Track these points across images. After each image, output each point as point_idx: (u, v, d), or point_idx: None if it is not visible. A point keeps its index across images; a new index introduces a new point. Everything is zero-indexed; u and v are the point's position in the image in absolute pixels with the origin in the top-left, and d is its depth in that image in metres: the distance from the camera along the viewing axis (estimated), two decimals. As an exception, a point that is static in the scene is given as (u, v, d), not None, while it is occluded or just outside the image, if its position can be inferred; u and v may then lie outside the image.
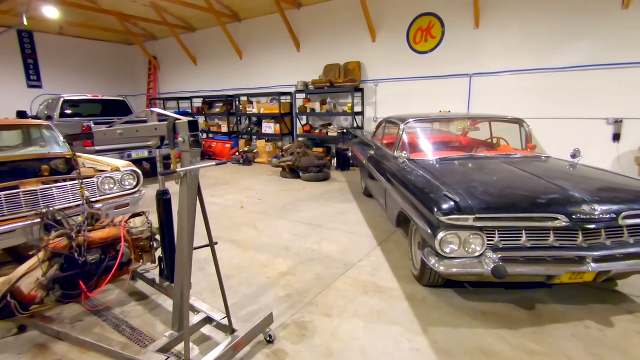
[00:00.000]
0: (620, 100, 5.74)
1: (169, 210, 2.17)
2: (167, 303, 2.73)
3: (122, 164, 3.72)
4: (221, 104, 11.05)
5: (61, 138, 4.30)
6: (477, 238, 2.29)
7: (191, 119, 1.68)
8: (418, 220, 2.60)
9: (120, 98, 8.37)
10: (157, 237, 2.64)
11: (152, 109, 1.99)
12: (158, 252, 2.61)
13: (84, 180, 3.29)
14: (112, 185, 3.53)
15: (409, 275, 3.12)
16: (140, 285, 3.00)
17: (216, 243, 2.10)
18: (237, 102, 10.27)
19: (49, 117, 7.21)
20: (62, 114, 7.22)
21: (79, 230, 2.37)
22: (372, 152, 4.63)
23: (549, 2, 6.05)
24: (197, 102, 11.65)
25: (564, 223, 2.24)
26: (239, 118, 10.49)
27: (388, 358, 2.14)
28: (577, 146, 3.80)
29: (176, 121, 1.70)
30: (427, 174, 2.95)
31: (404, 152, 3.52)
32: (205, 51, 11.40)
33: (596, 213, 2.24)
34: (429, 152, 3.69)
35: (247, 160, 9.14)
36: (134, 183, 3.74)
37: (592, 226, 2.26)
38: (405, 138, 3.88)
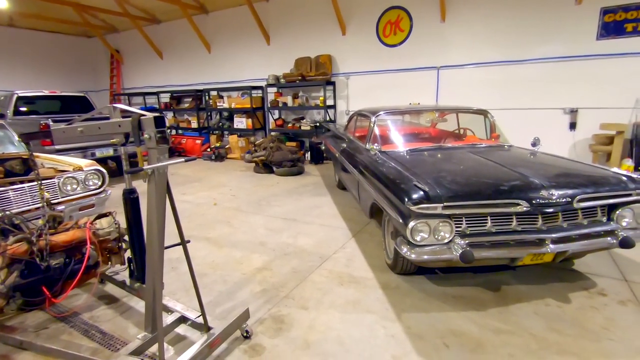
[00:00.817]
0: (575, 91, 6.09)
1: (137, 210, 2.10)
2: (139, 305, 2.66)
3: (86, 163, 3.55)
4: (190, 99, 10.73)
5: (16, 137, 4.04)
6: (446, 226, 2.38)
7: (157, 114, 1.63)
8: (390, 210, 2.66)
9: (81, 94, 7.95)
10: (126, 237, 2.56)
11: (115, 104, 1.91)
12: (127, 253, 2.53)
13: (44, 182, 3.12)
14: (75, 186, 3.37)
15: (383, 265, 3.20)
16: (110, 288, 2.90)
17: (188, 241, 2.06)
18: (207, 97, 10.02)
19: (1, 116, 6.74)
20: (17, 112, 6.77)
21: (40, 234, 2.25)
22: (344, 145, 4.67)
23: (510, -3, 6.29)
24: (165, 98, 11.26)
25: (525, 208, 2.37)
26: (209, 113, 10.25)
27: (365, 346, 2.19)
28: (538, 135, 4.00)
29: (141, 117, 1.65)
30: (398, 165, 3.02)
31: (376, 144, 3.58)
32: (172, 44, 11.00)
33: (554, 198, 2.38)
34: (399, 144, 3.77)
35: (219, 156, 8.97)
36: (99, 183, 3.58)
37: (550, 210, 2.40)
38: (376, 130, 3.94)
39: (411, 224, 2.36)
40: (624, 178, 2.59)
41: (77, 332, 2.38)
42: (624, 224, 2.53)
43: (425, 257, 2.38)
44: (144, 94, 11.42)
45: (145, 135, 1.64)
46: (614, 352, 2.07)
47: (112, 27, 11.83)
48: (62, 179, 3.27)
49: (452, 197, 2.37)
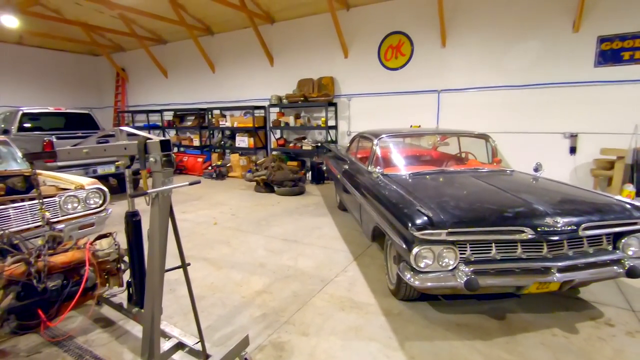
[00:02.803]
0: (574, 116, 6.16)
1: (139, 232, 2.08)
2: (136, 329, 2.59)
3: (87, 181, 3.54)
4: (193, 118, 10.84)
5: (19, 154, 4.05)
6: (450, 252, 2.35)
7: (163, 138, 1.64)
8: (393, 235, 2.63)
9: (86, 111, 8.04)
10: (126, 259, 2.52)
11: (121, 127, 1.92)
12: (126, 276, 2.48)
13: (45, 200, 3.10)
14: (75, 205, 3.35)
15: (385, 290, 3.14)
16: (106, 310, 2.84)
17: (189, 264, 2.03)
18: (209, 116, 10.12)
19: (5, 132, 6.80)
20: (21, 128, 6.83)
21: (38, 255, 2.22)
22: (346, 166, 4.68)
23: (506, 24, 6.46)
24: (168, 116, 11.38)
25: (530, 235, 2.34)
26: (211, 132, 10.33)
27: (367, 376, 2.12)
28: (538, 159, 4.02)
29: (147, 140, 1.65)
30: (401, 189, 3.01)
31: (378, 167, 3.58)
32: (177, 64, 11.21)
33: (559, 225, 2.36)
34: (401, 167, 3.78)
35: (221, 174, 8.98)
36: (100, 201, 3.56)
37: (556, 238, 2.37)
38: (379, 153, 3.96)
39: (415, 250, 2.33)
40: (629, 206, 2.57)
41: (70, 357, 2.31)
42: (630, 252, 2.49)
43: (429, 284, 2.34)
44: (148, 112, 11.55)
45: (151, 159, 1.63)
46: (625, 388, 2.01)
47: (118, 47, 12.09)
48: (63, 198, 3.25)
49: (457, 223, 2.35)
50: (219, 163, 9.48)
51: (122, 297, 2.67)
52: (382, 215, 2.94)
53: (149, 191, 1.60)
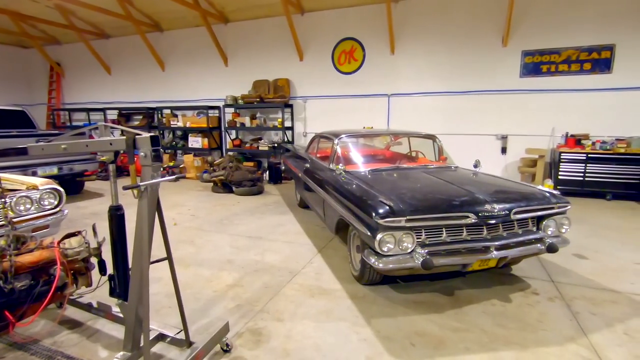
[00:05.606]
0: (504, 120, 7.01)
1: (122, 226, 2.11)
2: (107, 327, 2.58)
3: (41, 181, 3.36)
4: (141, 117, 10.36)
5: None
6: (408, 237, 2.67)
7: (153, 134, 1.73)
8: (358, 225, 2.90)
9: (19, 108, 7.37)
10: (93, 259, 2.50)
11: (106, 123, 1.95)
12: (95, 276, 2.46)
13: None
14: (28, 206, 3.17)
15: (349, 277, 3.41)
16: (72, 312, 2.75)
17: (166, 259, 2.10)
18: (159, 115, 9.76)
19: None
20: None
21: (3, 255, 2.14)
22: (307, 165, 4.90)
23: (447, 36, 7.16)
24: (112, 114, 10.74)
25: (473, 220, 2.75)
26: (161, 132, 9.96)
27: (340, 350, 2.35)
28: (476, 157, 4.57)
29: (137, 136, 1.73)
30: (363, 184, 3.31)
31: (340, 164, 3.85)
32: (122, 60, 10.63)
33: (495, 211, 2.80)
34: (360, 164, 4.09)
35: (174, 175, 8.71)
36: (55, 202, 3.40)
37: (493, 221, 2.81)
38: (339, 152, 4.24)
39: (379, 236, 2.61)
40: (547, 194, 3.11)
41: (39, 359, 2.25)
42: (549, 232, 3.02)
43: (391, 266, 2.64)
44: (88, 110, 10.79)
45: (141, 154, 1.72)
46: (548, 340, 2.46)
47: (53, 39, 11.14)
48: (15, 199, 3.07)
49: (414, 211, 2.67)
50: (171, 164, 9.19)
51: (89, 297, 2.64)
52: (346, 208, 3.20)
53: (140, 184, 1.68)
